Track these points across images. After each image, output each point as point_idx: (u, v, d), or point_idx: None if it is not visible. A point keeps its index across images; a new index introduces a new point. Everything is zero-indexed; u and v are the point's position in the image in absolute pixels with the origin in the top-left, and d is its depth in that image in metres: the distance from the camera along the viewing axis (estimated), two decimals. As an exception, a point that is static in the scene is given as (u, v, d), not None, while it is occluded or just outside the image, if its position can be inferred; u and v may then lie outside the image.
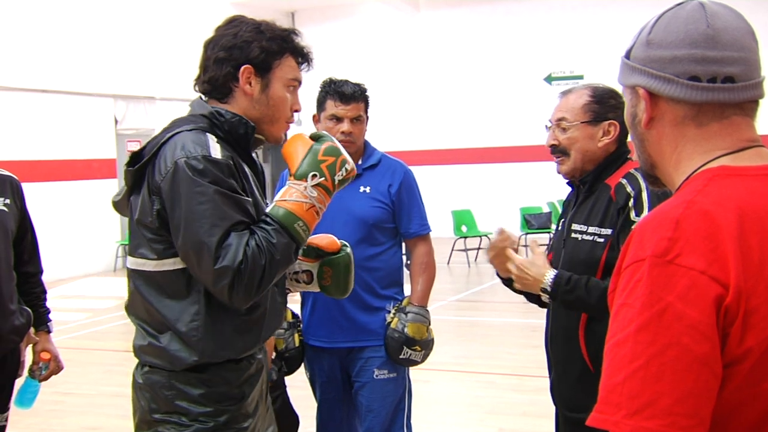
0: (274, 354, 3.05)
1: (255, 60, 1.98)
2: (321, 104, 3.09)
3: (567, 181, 2.50)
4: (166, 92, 12.99)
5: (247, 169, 2.02)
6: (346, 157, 1.99)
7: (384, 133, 11.03)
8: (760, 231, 1.05)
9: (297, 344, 3.12)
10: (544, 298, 2.30)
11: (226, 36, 2.00)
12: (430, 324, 3.10)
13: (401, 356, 3.03)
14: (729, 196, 1.08)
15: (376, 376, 3.07)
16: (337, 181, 1.97)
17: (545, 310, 2.55)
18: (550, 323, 2.50)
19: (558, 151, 2.41)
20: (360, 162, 3.11)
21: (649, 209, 2.21)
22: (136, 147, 13.11)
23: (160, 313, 1.93)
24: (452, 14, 15.17)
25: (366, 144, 3.17)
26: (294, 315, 3.20)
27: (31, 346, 3.18)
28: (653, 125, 1.19)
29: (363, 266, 3.01)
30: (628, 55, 1.21)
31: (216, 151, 1.89)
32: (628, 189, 2.28)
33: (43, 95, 11.36)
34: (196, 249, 1.84)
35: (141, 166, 1.94)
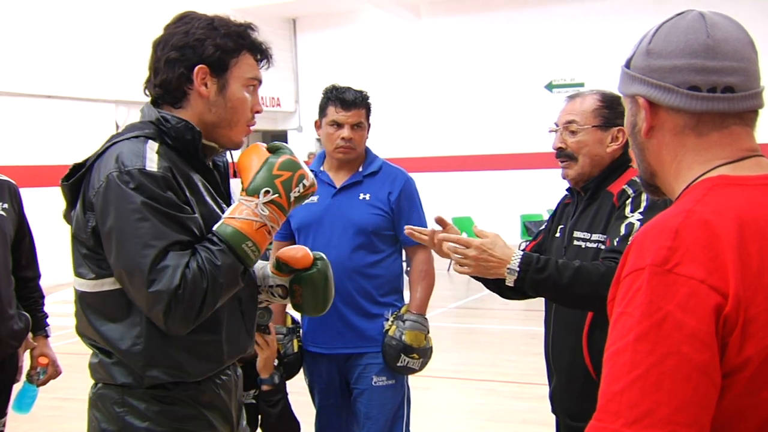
0: (276, 361, 3.04)
1: (210, 59, 1.82)
2: (323, 110, 3.11)
3: (567, 187, 2.47)
4: (167, 98, 12.99)
5: (197, 179, 1.85)
6: (305, 172, 1.84)
7: (385, 140, 11.03)
8: (759, 240, 1.06)
9: (296, 350, 3.12)
10: (509, 280, 2.12)
11: (177, 34, 1.85)
12: (428, 332, 3.09)
13: (399, 364, 3.03)
14: (728, 205, 1.09)
15: (375, 383, 3.06)
16: (293, 198, 1.81)
17: (543, 317, 2.52)
18: (550, 331, 2.46)
19: (564, 154, 2.36)
20: (361, 169, 3.12)
21: (646, 209, 2.20)
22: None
23: (103, 335, 1.79)
24: (453, 22, 15.19)
25: (367, 151, 3.18)
26: (294, 320, 3.20)
27: (29, 351, 3.18)
28: (653, 134, 1.20)
29: (362, 273, 3.02)
30: (628, 65, 1.22)
31: (152, 162, 1.73)
32: (629, 191, 2.28)
33: (44, 100, 11.37)
34: (129, 271, 1.69)
35: (76, 180, 1.81)
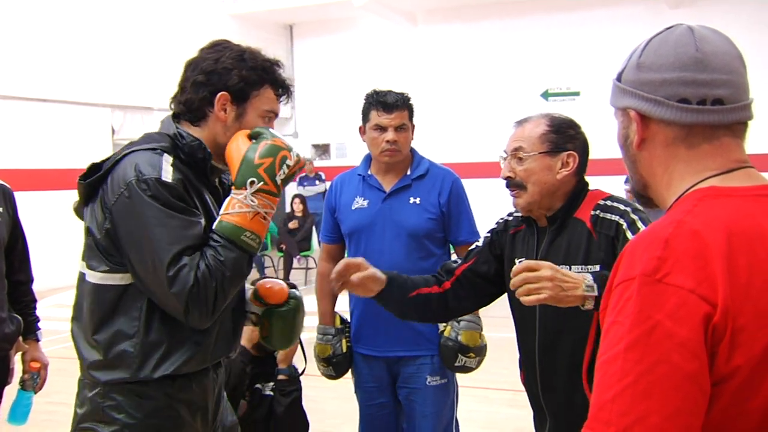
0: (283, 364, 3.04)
1: (233, 88, 1.96)
2: (366, 115, 3.12)
3: (514, 213, 2.36)
4: (163, 103, 12.89)
5: (206, 193, 1.99)
6: (286, 153, 1.90)
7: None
8: (748, 251, 1.07)
9: (344, 350, 3.17)
10: (589, 302, 1.90)
11: (208, 60, 1.98)
12: (482, 330, 3.12)
13: (456, 364, 3.06)
14: (718, 216, 1.10)
15: (429, 382, 3.11)
16: (279, 182, 1.90)
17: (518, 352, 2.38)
18: (535, 370, 2.29)
19: (514, 184, 2.23)
20: (409, 172, 3.14)
21: (644, 225, 2.12)
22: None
23: (100, 326, 1.91)
24: (449, 29, 15.23)
25: (414, 153, 3.19)
26: (342, 320, 3.24)
27: (20, 355, 3.17)
28: (645, 146, 1.22)
29: (418, 275, 3.05)
30: (619, 78, 1.24)
31: (168, 174, 1.86)
32: (611, 216, 2.17)
33: (40, 104, 11.36)
34: (148, 273, 1.82)
35: (94, 181, 1.91)
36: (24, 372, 3.17)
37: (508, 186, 2.27)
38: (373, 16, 15.09)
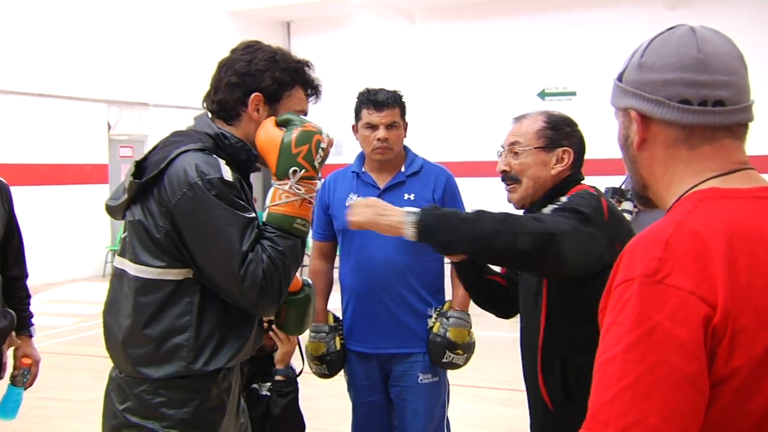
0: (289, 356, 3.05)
1: (266, 89, 2.02)
2: (357, 113, 3.14)
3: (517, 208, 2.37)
4: (159, 99, 12.97)
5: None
6: (320, 137, 1.97)
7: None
8: (748, 253, 1.07)
9: (338, 348, 3.17)
10: (408, 232, 1.95)
11: (241, 61, 2.03)
12: (471, 327, 3.13)
13: (444, 360, 3.07)
14: (718, 217, 1.10)
15: (421, 380, 3.11)
16: (317, 166, 1.97)
17: None
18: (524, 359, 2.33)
19: (509, 177, 2.28)
20: (403, 169, 3.15)
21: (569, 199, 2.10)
22: (128, 152, 12.78)
23: (151, 321, 1.94)
24: (447, 28, 15.22)
25: (407, 150, 3.21)
26: (335, 318, 3.24)
27: (12, 351, 3.16)
28: (645, 147, 1.22)
29: (412, 272, 3.08)
30: (620, 78, 1.24)
31: (228, 173, 1.92)
32: (562, 199, 2.16)
33: (36, 99, 11.33)
34: (219, 271, 1.89)
35: (148, 181, 1.94)
36: (14, 368, 3.16)
37: (503, 180, 2.30)
38: (370, 14, 15.06)
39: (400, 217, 1.98)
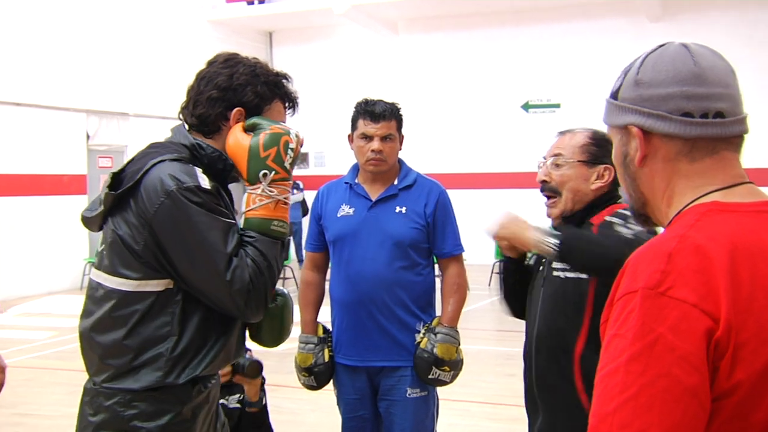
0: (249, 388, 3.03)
1: (248, 104, 2.03)
2: (354, 123, 3.15)
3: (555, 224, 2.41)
4: (139, 109, 12.90)
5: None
6: (288, 138, 1.98)
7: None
8: (750, 267, 1.08)
9: (326, 360, 3.16)
10: (553, 249, 2.09)
11: (222, 75, 2.03)
12: (459, 345, 3.12)
13: (430, 376, 3.05)
14: (721, 231, 1.11)
15: (409, 394, 3.10)
16: (288, 167, 1.99)
17: (520, 338, 2.46)
18: (531, 363, 2.35)
19: (549, 188, 2.33)
20: (396, 182, 3.16)
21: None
22: (107, 163, 12.67)
23: (131, 332, 1.93)
24: (430, 39, 15.27)
25: (401, 163, 3.22)
26: (325, 330, 3.23)
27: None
28: (646, 162, 1.22)
29: (400, 285, 3.08)
30: (615, 97, 1.24)
31: (205, 181, 1.93)
32: (612, 218, 2.24)
33: (13, 108, 11.23)
34: (204, 278, 1.90)
35: (124, 192, 1.93)
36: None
37: (542, 191, 2.35)
38: (353, 25, 15.09)
39: (543, 236, 2.11)
